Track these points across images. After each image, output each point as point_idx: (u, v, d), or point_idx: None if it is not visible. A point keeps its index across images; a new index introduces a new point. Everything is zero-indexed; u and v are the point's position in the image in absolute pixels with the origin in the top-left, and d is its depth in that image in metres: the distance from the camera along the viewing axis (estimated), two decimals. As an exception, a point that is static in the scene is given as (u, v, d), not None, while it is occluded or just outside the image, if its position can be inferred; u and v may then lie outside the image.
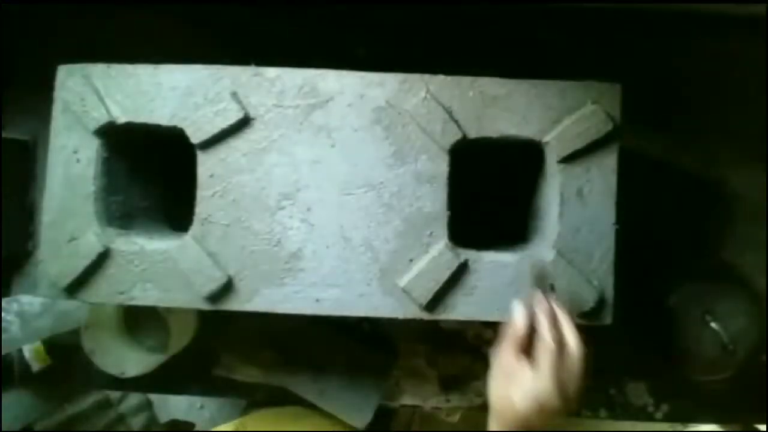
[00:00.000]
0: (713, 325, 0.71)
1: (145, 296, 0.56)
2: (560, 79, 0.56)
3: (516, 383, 0.47)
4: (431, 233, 0.55)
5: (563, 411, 0.46)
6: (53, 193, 0.57)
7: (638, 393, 0.77)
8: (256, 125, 0.56)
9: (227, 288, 0.56)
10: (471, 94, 0.56)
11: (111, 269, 0.56)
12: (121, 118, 0.56)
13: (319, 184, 0.56)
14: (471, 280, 0.56)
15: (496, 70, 0.56)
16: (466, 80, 0.56)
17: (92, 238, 0.56)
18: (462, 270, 0.55)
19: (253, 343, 0.77)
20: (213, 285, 0.55)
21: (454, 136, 0.55)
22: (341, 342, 0.76)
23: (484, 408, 0.77)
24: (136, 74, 0.56)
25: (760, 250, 0.76)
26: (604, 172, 0.56)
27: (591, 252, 0.56)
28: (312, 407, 0.75)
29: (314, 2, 0.77)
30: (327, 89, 0.56)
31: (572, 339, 0.48)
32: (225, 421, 0.76)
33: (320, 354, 0.76)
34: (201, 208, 0.56)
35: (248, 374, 0.77)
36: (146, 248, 0.56)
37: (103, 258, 0.56)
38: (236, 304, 0.56)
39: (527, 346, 0.49)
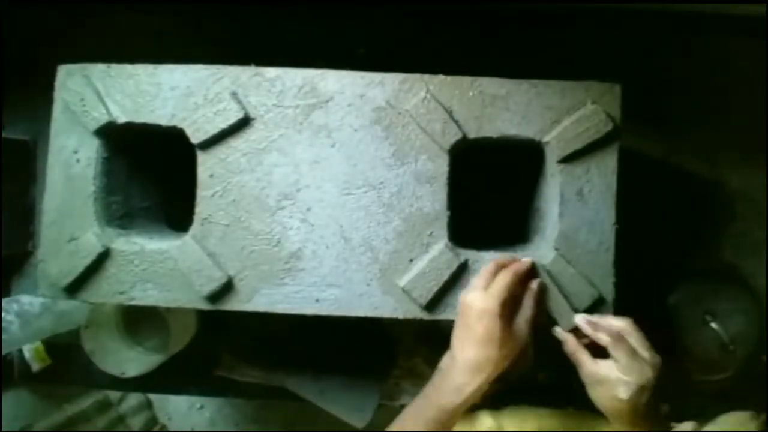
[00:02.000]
0: (713, 325, 0.71)
1: (145, 296, 0.56)
2: (560, 79, 0.56)
3: (609, 383, 0.50)
4: (431, 233, 0.55)
5: (659, 376, 0.49)
6: (53, 193, 0.57)
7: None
8: (256, 125, 0.56)
9: (227, 288, 0.56)
10: (471, 94, 0.55)
11: (111, 269, 0.56)
12: (121, 118, 0.56)
13: (319, 184, 0.56)
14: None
15: (496, 70, 0.56)
16: (466, 80, 0.56)
17: (92, 238, 0.56)
18: (462, 270, 0.55)
19: (253, 343, 0.77)
20: (213, 285, 0.55)
21: (454, 136, 0.55)
22: (341, 342, 0.76)
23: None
24: (136, 74, 0.56)
25: (760, 250, 0.76)
26: (604, 172, 0.56)
27: (591, 252, 0.56)
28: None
29: (314, 2, 0.77)
30: (327, 89, 0.56)
31: (617, 323, 0.52)
32: (225, 421, 0.75)
33: (320, 354, 0.76)
34: (201, 208, 0.56)
35: (248, 374, 0.78)
36: (146, 248, 0.56)
37: (103, 258, 0.56)
38: (236, 304, 0.56)
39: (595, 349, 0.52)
